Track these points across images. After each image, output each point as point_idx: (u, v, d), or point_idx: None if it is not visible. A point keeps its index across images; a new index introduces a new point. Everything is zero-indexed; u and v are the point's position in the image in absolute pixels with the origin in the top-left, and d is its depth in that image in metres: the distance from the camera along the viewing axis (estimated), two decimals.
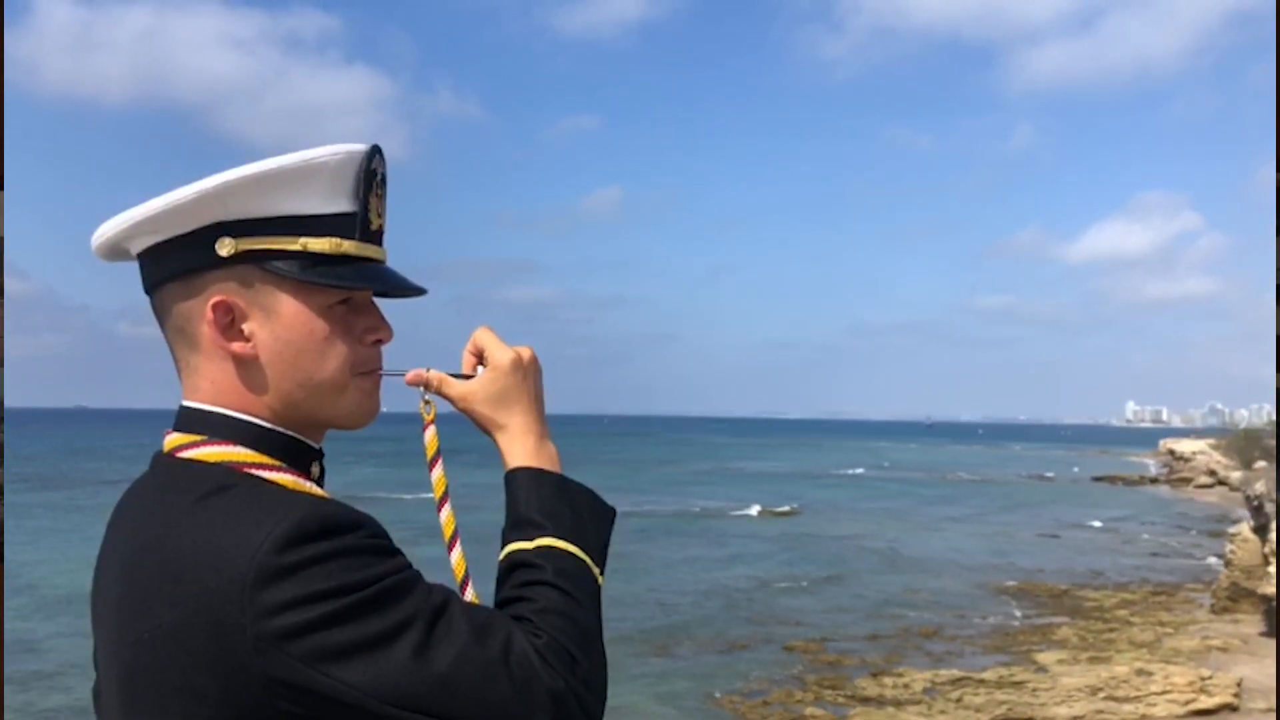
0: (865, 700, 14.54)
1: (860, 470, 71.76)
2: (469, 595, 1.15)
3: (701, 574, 25.43)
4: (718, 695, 14.87)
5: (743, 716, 14.05)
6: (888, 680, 15.44)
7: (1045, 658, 16.86)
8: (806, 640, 18.33)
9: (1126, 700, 14.34)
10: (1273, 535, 18.08)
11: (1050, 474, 71.99)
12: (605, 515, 1.21)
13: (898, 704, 14.34)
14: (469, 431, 1.26)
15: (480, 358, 1.24)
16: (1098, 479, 65.92)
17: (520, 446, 1.20)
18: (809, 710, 14.12)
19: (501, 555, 1.16)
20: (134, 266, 1.18)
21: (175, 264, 1.12)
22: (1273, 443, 25.22)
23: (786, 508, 42.49)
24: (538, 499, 1.17)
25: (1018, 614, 21.18)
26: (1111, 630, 19.15)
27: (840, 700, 14.65)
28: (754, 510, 41.58)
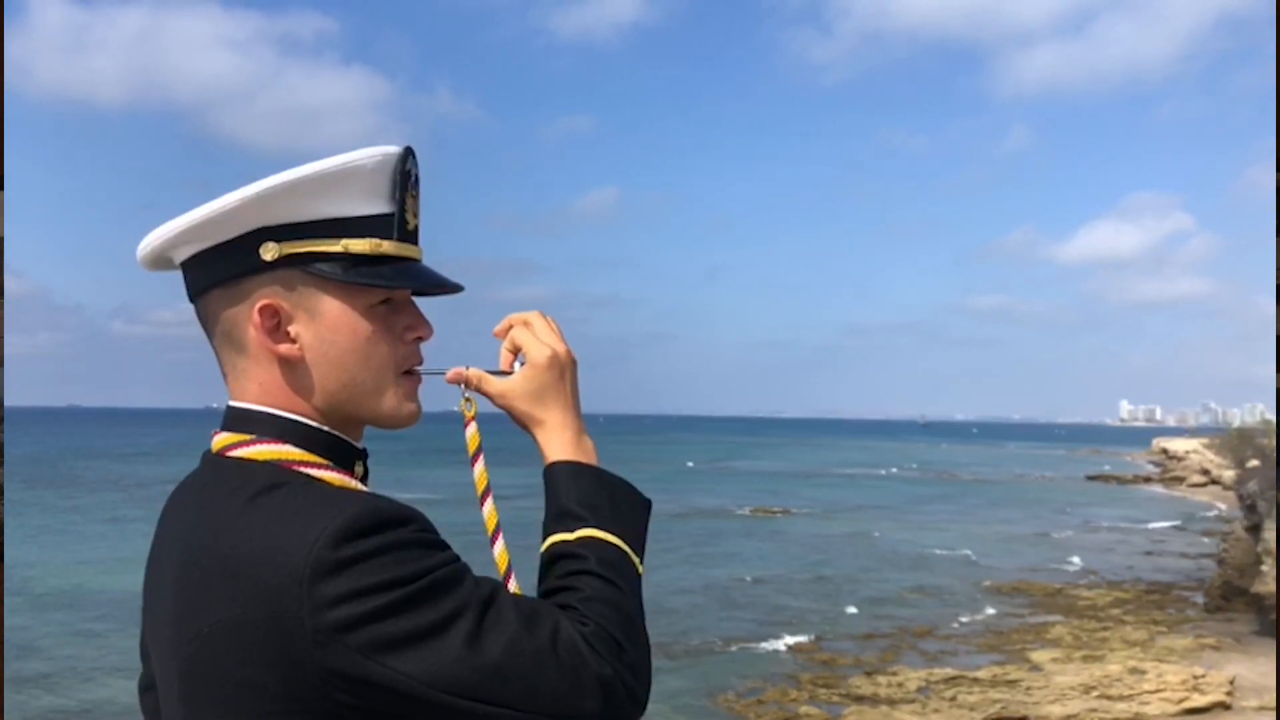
0: (860, 699, 14.57)
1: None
2: (512, 588, 1.17)
3: (697, 573, 25.46)
4: (713, 694, 14.90)
5: (738, 715, 14.08)
6: (882, 679, 15.47)
7: (1039, 656, 16.90)
8: (801, 639, 18.38)
9: (1120, 699, 14.38)
10: (1266, 534, 18.14)
11: (1044, 473, 72.15)
12: (642, 506, 1.25)
13: (892, 703, 14.37)
14: (508, 430, 1.28)
15: (518, 354, 1.27)
16: (1092, 478, 66.10)
17: (559, 441, 1.24)
18: (804, 709, 14.14)
19: (543, 547, 1.19)
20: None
21: (220, 270, 1.14)
22: (1265, 441, 25.28)
23: (781, 507, 42.54)
24: (578, 491, 1.20)
25: (1011, 613, 21.22)
26: (1105, 629, 19.20)
27: (835, 699, 14.68)
28: (750, 509, 41.63)
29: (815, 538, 33.13)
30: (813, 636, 18.62)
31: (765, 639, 18.43)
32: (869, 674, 15.87)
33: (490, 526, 1.22)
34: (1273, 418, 29.99)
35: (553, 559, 1.17)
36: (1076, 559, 29.07)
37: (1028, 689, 14.91)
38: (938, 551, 30.08)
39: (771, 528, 36.08)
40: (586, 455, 1.24)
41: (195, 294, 1.17)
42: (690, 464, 75.03)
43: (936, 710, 14.01)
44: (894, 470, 72.25)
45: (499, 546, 1.22)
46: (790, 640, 18.29)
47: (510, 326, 1.28)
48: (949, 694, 14.66)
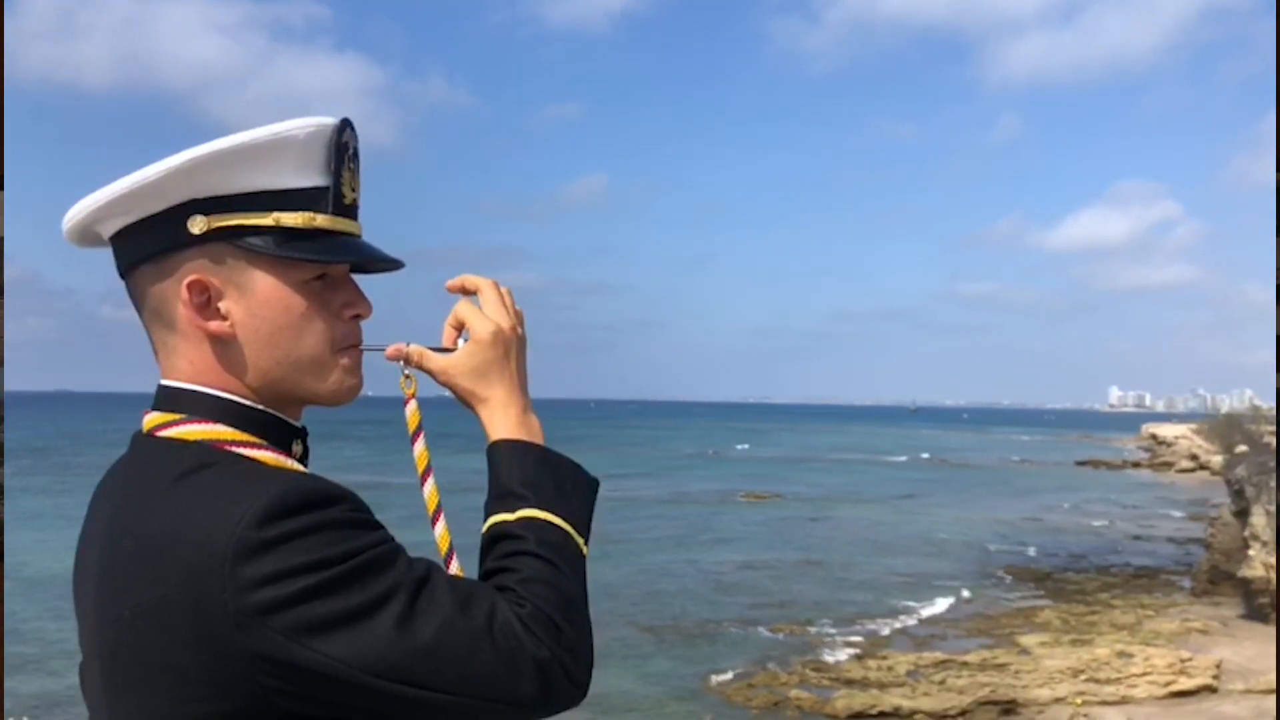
0: (849, 682, 14.62)
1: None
2: (454, 569, 1.15)
3: (687, 557, 25.51)
4: (703, 677, 14.94)
5: (728, 699, 14.12)
6: (872, 663, 15.53)
7: (1028, 640, 16.98)
8: (791, 623, 18.43)
9: (1108, 682, 14.46)
10: (1253, 519, 18.24)
11: (1034, 458, 72.31)
12: (588, 486, 1.21)
13: (881, 686, 14.42)
14: (459, 416, 1.25)
15: (461, 330, 1.23)
16: (1081, 463, 66.26)
17: (502, 419, 1.20)
18: (793, 692, 14.18)
19: (484, 527, 1.15)
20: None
21: (148, 245, 1.10)
22: (1253, 427, 25.39)
23: (773, 492, 42.62)
24: (520, 470, 1.16)
25: (1001, 597, 21.32)
26: (1093, 613, 19.31)
27: (825, 682, 14.73)
28: (740, 494, 41.69)
29: (806, 522, 33.20)
30: (803, 620, 18.68)
31: (755, 623, 18.48)
32: (859, 658, 15.93)
33: (431, 507, 1.19)
34: (1260, 403, 30.12)
35: (493, 539, 1.13)
36: (1065, 543, 29.19)
37: (1016, 672, 14.98)
38: (927, 536, 30.16)
39: (762, 512, 36.13)
40: (531, 434, 1.20)
41: (124, 270, 1.13)
42: (680, 449, 75.06)
43: (926, 694, 14.06)
44: (885, 455, 72.36)
45: (440, 526, 1.19)
46: (780, 624, 18.34)
47: (463, 285, 1.24)
48: (938, 677, 14.72)
